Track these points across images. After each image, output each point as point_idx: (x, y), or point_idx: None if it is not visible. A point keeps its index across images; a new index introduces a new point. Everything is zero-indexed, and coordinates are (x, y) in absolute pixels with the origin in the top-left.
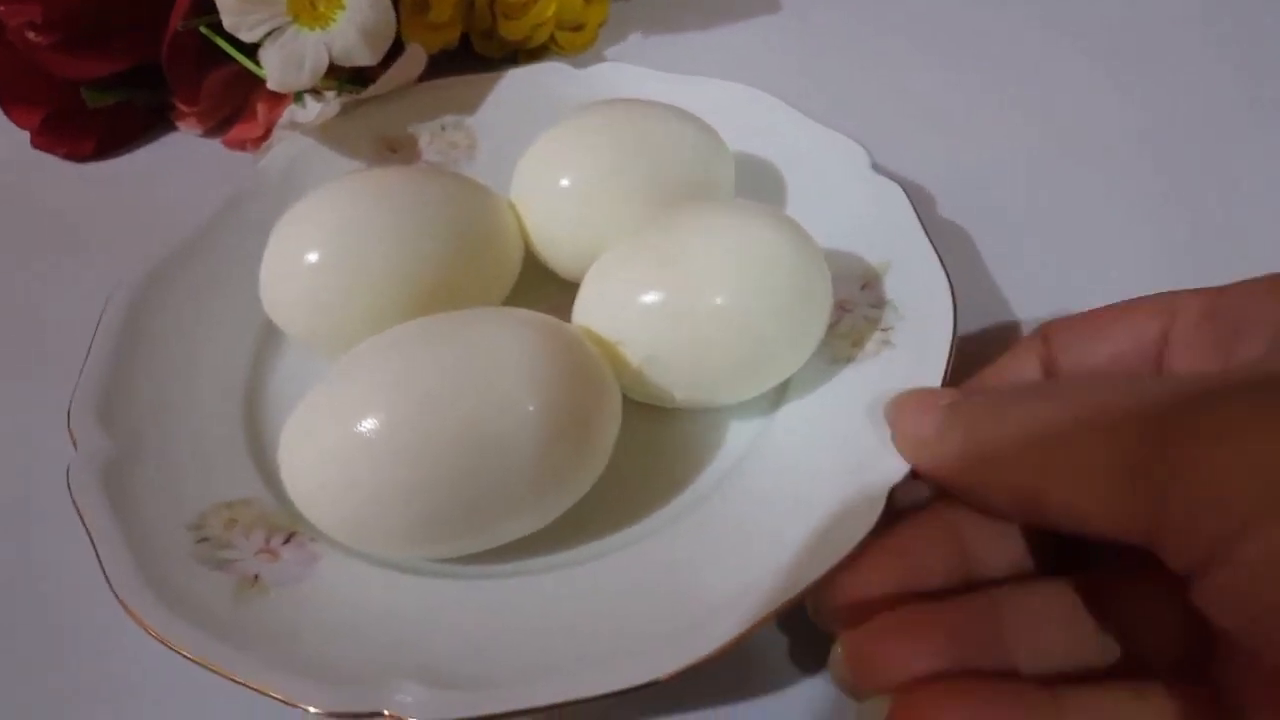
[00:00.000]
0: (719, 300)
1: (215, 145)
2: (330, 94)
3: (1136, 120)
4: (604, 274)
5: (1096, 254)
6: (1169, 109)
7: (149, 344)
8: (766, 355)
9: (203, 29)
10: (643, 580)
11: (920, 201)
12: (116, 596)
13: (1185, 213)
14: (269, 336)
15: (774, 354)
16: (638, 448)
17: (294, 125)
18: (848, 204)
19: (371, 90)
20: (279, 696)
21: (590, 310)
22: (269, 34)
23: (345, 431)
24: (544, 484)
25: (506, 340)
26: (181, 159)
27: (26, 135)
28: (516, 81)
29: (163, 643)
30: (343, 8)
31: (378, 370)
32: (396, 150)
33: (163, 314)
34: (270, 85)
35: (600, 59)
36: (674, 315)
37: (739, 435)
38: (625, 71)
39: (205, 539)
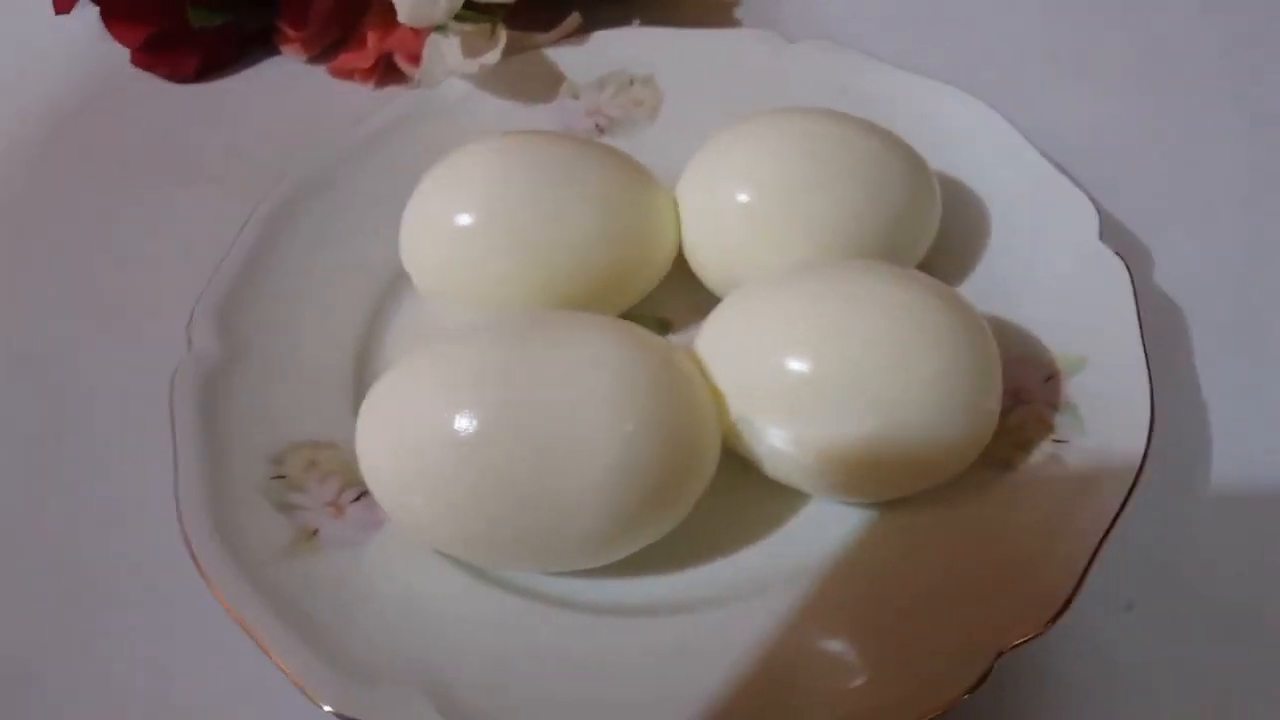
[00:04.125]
0: (837, 386)
1: (319, 72)
2: (467, 28)
3: None
4: (733, 308)
5: None
6: None
7: (283, 257)
8: (884, 470)
9: None
10: (687, 655)
11: (1139, 266)
12: (179, 516)
13: None
14: (400, 280)
15: (894, 470)
16: (729, 502)
17: (450, 72)
18: (1058, 274)
19: (538, 41)
20: (287, 670)
21: (709, 343)
22: None
23: (418, 414)
24: (619, 517)
25: (606, 356)
26: (284, 85)
27: (125, 53)
28: (716, 44)
29: (202, 575)
30: None
31: (468, 360)
32: (578, 98)
33: (304, 230)
34: (401, 19)
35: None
36: (778, 379)
37: (843, 522)
38: (838, 55)
39: (281, 476)
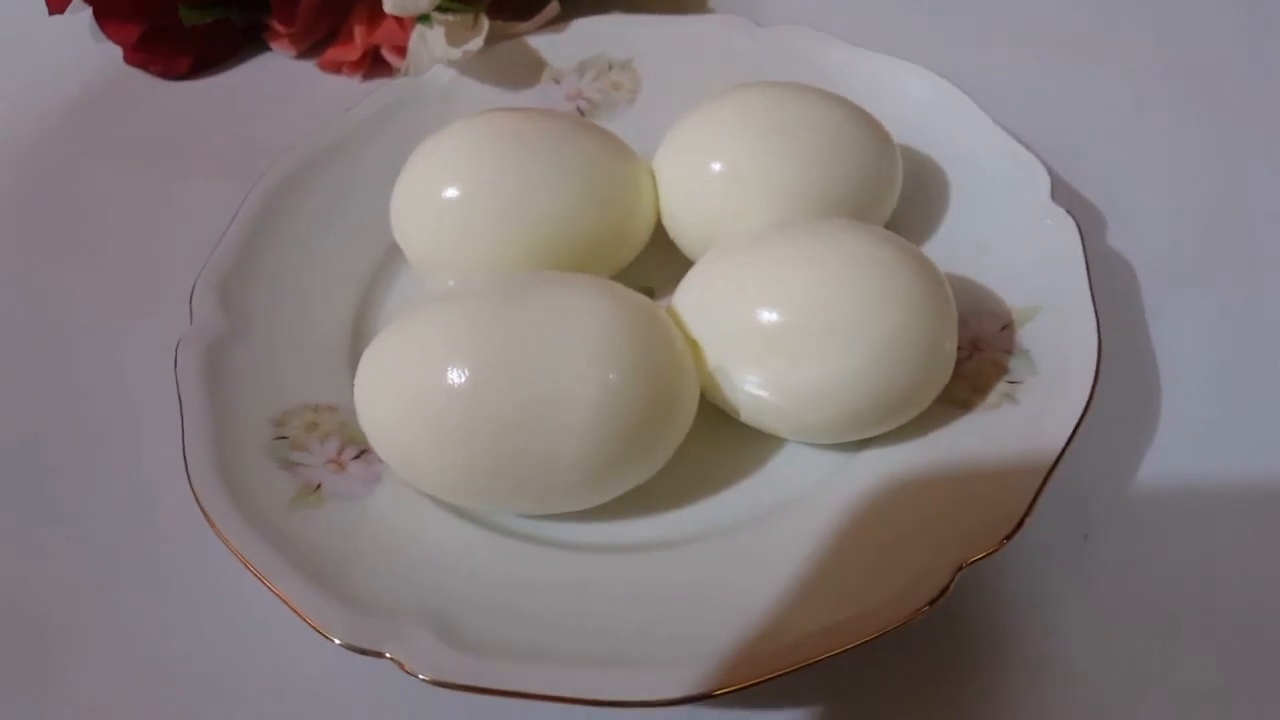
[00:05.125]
0: (810, 333)
1: (309, 67)
2: (451, 18)
3: None
4: (707, 266)
5: None
6: None
7: (282, 233)
8: (853, 410)
9: None
10: (672, 587)
11: (1091, 226)
12: (188, 474)
13: None
14: (393, 253)
15: (863, 410)
16: (709, 448)
17: (436, 60)
18: (1013, 231)
19: (519, 29)
20: (297, 609)
21: (686, 299)
22: None
23: (413, 367)
24: (604, 461)
25: (589, 310)
26: (276, 80)
27: (119, 52)
28: (691, 29)
29: (214, 528)
30: None
31: (459, 315)
32: (560, 82)
33: (300, 208)
34: (387, 9)
35: None
36: (751, 329)
37: (815, 463)
38: (807, 37)
39: (283, 437)
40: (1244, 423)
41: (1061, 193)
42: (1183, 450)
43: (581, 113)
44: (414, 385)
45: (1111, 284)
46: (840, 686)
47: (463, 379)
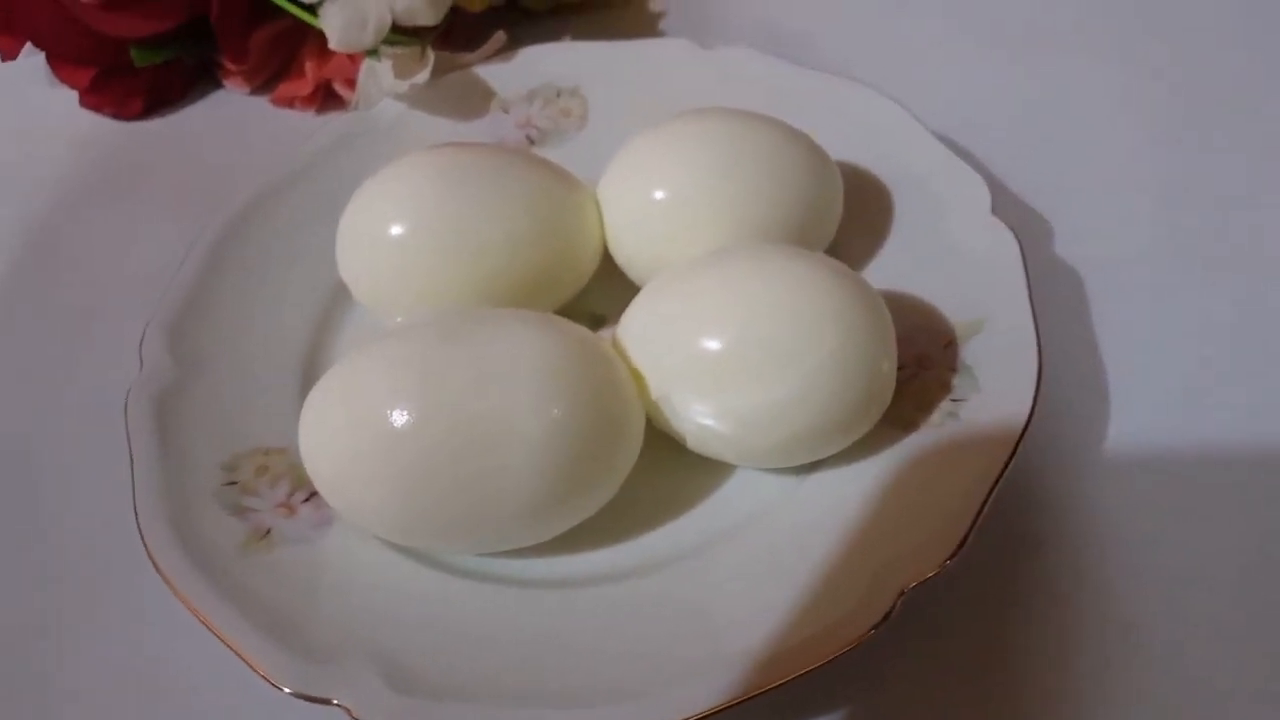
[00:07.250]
0: (747, 360)
1: (262, 103)
2: (398, 51)
3: None
4: (650, 295)
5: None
6: None
7: (232, 275)
8: (795, 435)
9: None
10: (622, 620)
11: (1037, 237)
12: (137, 521)
13: None
14: (343, 292)
15: (805, 434)
16: (657, 477)
17: (385, 93)
18: (954, 247)
19: (467, 59)
20: (245, 657)
21: (629, 329)
22: None
23: (354, 409)
24: (550, 496)
25: (531, 346)
26: (230, 117)
27: (73, 95)
28: (637, 54)
29: (161, 575)
30: None
31: (399, 355)
32: (509, 111)
33: (250, 249)
34: (332, 45)
35: (650, 13)
36: (693, 357)
37: (764, 488)
38: (751, 58)
39: (233, 482)
40: (1195, 430)
41: (1006, 204)
42: (1133, 460)
43: (531, 141)
44: (356, 428)
45: (1058, 294)
46: (802, 704)
47: (404, 420)
